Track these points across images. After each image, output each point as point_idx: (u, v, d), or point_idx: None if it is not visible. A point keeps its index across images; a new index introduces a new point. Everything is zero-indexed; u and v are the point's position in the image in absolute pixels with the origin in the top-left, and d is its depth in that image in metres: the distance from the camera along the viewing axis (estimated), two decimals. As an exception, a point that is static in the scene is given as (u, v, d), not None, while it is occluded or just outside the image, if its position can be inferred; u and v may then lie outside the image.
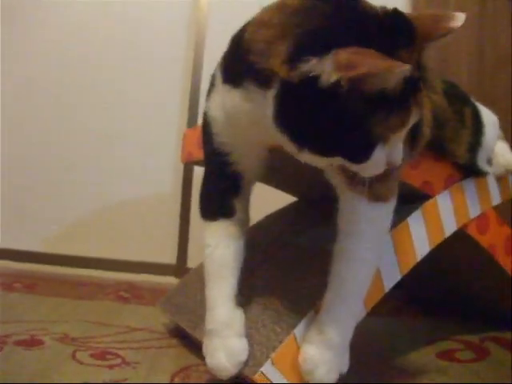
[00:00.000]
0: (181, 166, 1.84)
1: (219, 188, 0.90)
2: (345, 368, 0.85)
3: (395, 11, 0.71)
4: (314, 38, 0.66)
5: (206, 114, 0.89)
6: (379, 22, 0.69)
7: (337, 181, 0.83)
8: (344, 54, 0.62)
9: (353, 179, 0.80)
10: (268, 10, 0.74)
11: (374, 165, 0.70)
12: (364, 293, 0.86)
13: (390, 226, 0.86)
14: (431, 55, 1.80)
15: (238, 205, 0.91)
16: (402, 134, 0.71)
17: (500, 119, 1.20)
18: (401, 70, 0.62)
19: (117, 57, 1.94)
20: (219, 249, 0.91)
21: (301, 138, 0.69)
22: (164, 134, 1.90)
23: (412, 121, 0.70)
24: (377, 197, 0.83)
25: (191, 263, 1.84)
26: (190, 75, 1.86)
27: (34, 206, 1.93)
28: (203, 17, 1.88)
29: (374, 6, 0.71)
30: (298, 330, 0.85)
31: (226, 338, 0.87)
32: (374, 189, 0.81)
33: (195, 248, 1.85)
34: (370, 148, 0.68)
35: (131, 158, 1.92)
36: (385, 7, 0.72)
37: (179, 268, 1.86)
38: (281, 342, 0.85)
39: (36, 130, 1.95)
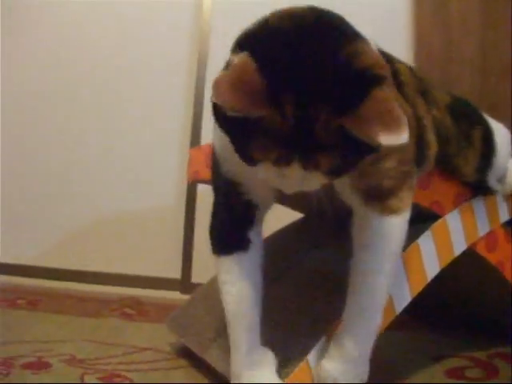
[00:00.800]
0: (185, 179, 1.84)
1: (232, 219, 0.87)
2: (365, 379, 0.84)
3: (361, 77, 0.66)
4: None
5: (213, 144, 0.87)
6: (326, 72, 0.65)
7: (351, 197, 0.83)
8: (218, 79, 0.64)
9: (368, 195, 0.81)
10: None
11: (279, 182, 0.71)
12: (382, 304, 0.85)
13: (404, 238, 0.85)
14: (433, 62, 1.82)
15: (252, 236, 0.87)
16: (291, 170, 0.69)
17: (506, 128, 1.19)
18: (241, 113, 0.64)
19: (119, 67, 1.93)
20: (237, 286, 0.86)
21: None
22: (167, 147, 1.90)
23: (298, 169, 0.67)
24: (390, 210, 0.83)
25: (196, 278, 1.83)
26: (193, 86, 1.85)
27: (36, 220, 1.92)
28: (206, 23, 1.87)
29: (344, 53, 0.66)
30: (311, 355, 0.85)
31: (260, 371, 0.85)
32: (386, 202, 0.82)
33: (200, 262, 1.84)
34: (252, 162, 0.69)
35: (135, 171, 1.91)
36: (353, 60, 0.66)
37: (184, 283, 1.85)
38: (294, 367, 0.84)
39: (35, 144, 1.94)
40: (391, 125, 0.62)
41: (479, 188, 1.10)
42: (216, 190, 0.90)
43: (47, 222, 1.92)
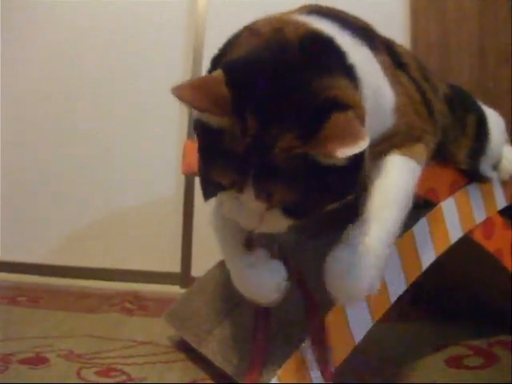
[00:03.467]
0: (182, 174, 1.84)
1: None
2: (377, 285, 0.77)
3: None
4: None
5: None
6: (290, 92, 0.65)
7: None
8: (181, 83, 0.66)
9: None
10: None
11: (239, 216, 0.70)
12: (403, 209, 0.81)
13: (415, 186, 0.84)
14: (432, 53, 1.81)
15: None
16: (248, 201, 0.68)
17: (501, 116, 1.18)
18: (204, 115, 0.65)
19: (115, 63, 1.92)
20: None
21: None
22: (165, 142, 1.89)
23: (250, 196, 0.66)
24: (409, 151, 0.84)
25: (195, 271, 1.83)
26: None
27: (36, 217, 1.92)
28: (201, 20, 1.87)
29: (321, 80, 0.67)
30: (304, 346, 0.84)
31: (261, 265, 0.82)
32: (405, 144, 0.84)
33: (199, 256, 1.84)
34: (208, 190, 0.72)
35: (133, 167, 1.91)
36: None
37: (184, 277, 1.85)
38: (287, 358, 0.84)
39: (35, 141, 1.94)
40: (347, 138, 0.61)
41: (473, 175, 1.09)
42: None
43: (46, 219, 1.92)
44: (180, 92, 0.64)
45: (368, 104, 0.72)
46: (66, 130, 1.93)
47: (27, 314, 1.45)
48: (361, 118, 0.67)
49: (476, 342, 1.27)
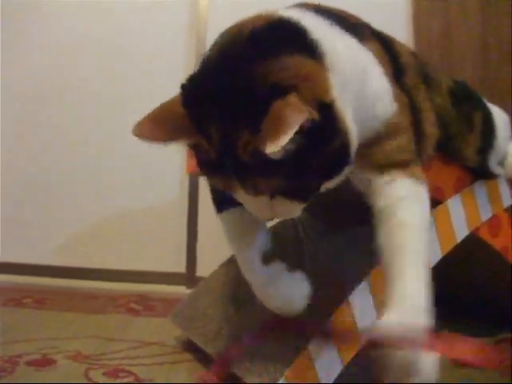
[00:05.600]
0: (187, 174, 1.84)
1: None
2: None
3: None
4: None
5: None
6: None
7: (367, 174, 0.81)
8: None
9: (381, 166, 0.80)
10: None
11: (254, 209, 0.72)
12: (424, 257, 0.77)
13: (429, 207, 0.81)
14: (435, 50, 1.81)
15: None
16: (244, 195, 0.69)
17: (504, 112, 1.18)
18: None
19: (116, 66, 1.92)
20: (244, 231, 0.87)
21: None
22: (169, 142, 1.89)
23: (242, 193, 0.68)
24: (413, 175, 0.81)
25: (201, 271, 1.82)
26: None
27: (41, 218, 1.92)
28: (203, 22, 1.87)
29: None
30: (312, 346, 0.84)
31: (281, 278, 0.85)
32: (407, 168, 0.80)
33: (204, 256, 1.84)
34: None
35: (137, 167, 1.90)
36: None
37: (189, 277, 1.85)
38: (295, 358, 0.84)
39: (37, 142, 1.94)
40: (274, 132, 0.60)
41: (481, 172, 1.08)
42: None
43: (52, 220, 1.92)
44: (139, 130, 0.67)
45: (351, 84, 0.71)
46: (70, 130, 1.93)
47: (33, 316, 1.45)
48: (309, 92, 0.64)
49: (481, 340, 1.27)
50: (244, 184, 0.67)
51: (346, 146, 0.69)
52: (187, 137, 0.68)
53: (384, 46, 0.85)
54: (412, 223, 0.77)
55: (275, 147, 0.59)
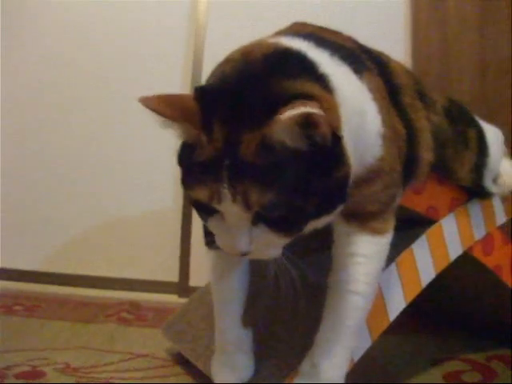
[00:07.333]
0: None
1: None
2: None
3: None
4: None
5: None
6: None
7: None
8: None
9: (350, 215, 0.80)
10: None
11: (218, 237, 0.72)
12: (359, 326, 0.84)
13: (385, 260, 0.84)
14: (433, 64, 1.81)
15: None
16: (228, 214, 0.68)
17: (502, 128, 1.18)
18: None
19: (117, 68, 1.91)
20: (225, 276, 0.91)
21: None
22: (164, 150, 1.88)
23: (229, 203, 0.66)
24: (373, 231, 0.82)
25: (193, 281, 1.82)
26: (188, 86, 1.84)
27: (33, 224, 1.91)
28: (202, 25, 1.85)
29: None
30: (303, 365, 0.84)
31: (233, 354, 0.91)
32: (369, 223, 0.82)
33: (197, 265, 1.83)
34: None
35: (131, 176, 1.90)
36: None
37: (181, 286, 1.84)
38: (285, 376, 0.84)
39: (35, 147, 1.93)
40: (299, 113, 0.61)
41: (475, 191, 1.08)
42: None
43: (43, 227, 1.91)
44: (146, 100, 0.67)
45: (352, 124, 0.71)
46: (65, 137, 1.92)
47: (23, 324, 1.44)
48: (328, 119, 0.63)
49: (474, 356, 1.27)
50: (234, 191, 0.64)
51: (346, 179, 0.69)
52: (190, 123, 0.66)
53: (379, 69, 0.85)
54: (355, 290, 0.82)
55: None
